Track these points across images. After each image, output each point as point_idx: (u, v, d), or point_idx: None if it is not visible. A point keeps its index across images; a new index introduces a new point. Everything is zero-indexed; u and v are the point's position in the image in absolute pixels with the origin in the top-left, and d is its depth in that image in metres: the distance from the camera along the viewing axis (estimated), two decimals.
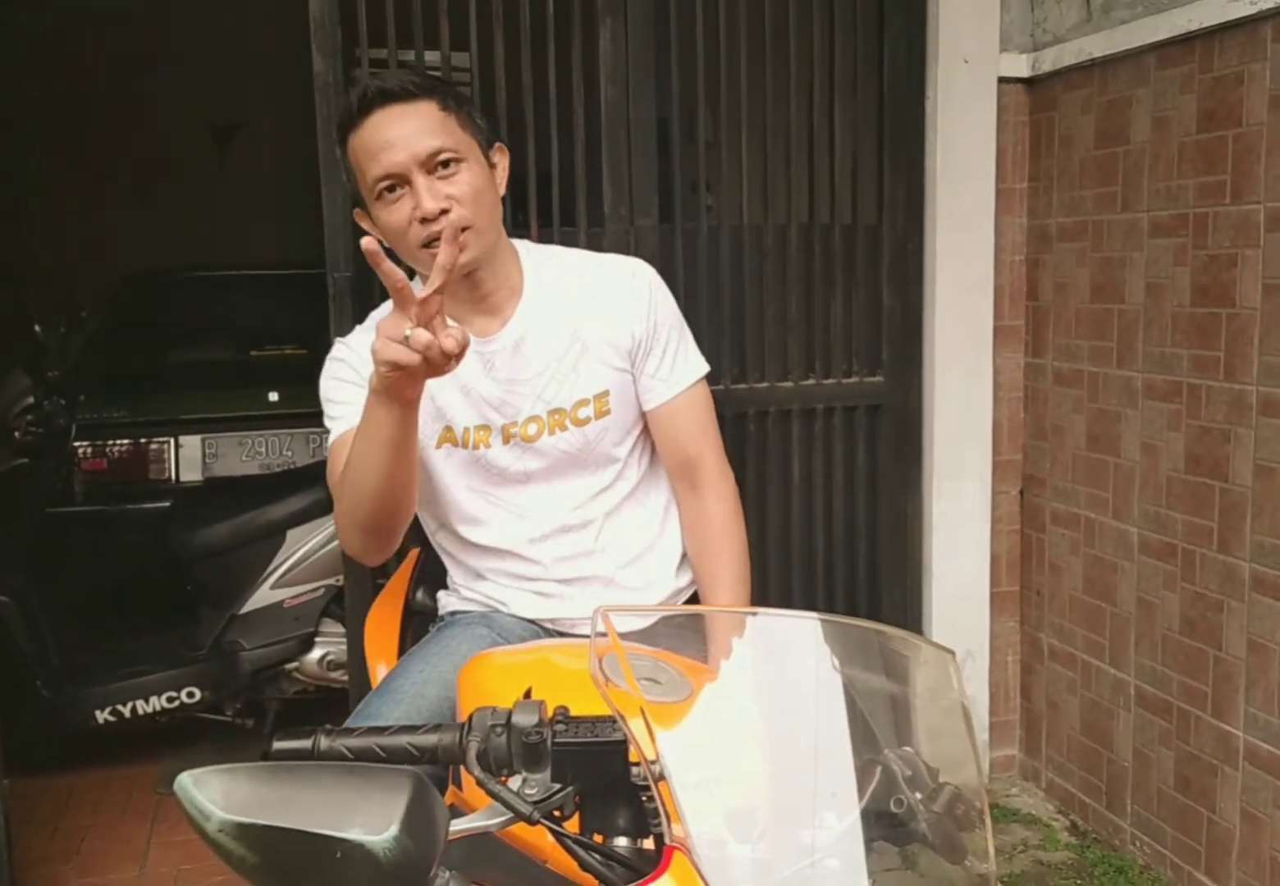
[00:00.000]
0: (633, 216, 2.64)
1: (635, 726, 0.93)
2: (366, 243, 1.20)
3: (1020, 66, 2.80)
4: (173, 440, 3.95)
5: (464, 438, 1.61)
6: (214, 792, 0.65)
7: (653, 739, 0.84)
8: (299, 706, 3.32)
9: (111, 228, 6.21)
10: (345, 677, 2.99)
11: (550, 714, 0.97)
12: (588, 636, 0.93)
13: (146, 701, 3.16)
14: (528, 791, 0.90)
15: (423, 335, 1.21)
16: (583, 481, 1.65)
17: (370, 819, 0.65)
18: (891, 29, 2.77)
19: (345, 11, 2.45)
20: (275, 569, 3.21)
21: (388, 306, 1.55)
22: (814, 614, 0.98)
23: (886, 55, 2.78)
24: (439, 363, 1.22)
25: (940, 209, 2.82)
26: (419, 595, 1.82)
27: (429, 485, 1.64)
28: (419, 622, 1.78)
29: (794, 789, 0.91)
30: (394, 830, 0.66)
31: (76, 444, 3.79)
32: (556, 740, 0.91)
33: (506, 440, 1.61)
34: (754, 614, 1.06)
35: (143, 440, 3.94)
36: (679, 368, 1.68)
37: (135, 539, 3.52)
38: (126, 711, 3.15)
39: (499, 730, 0.94)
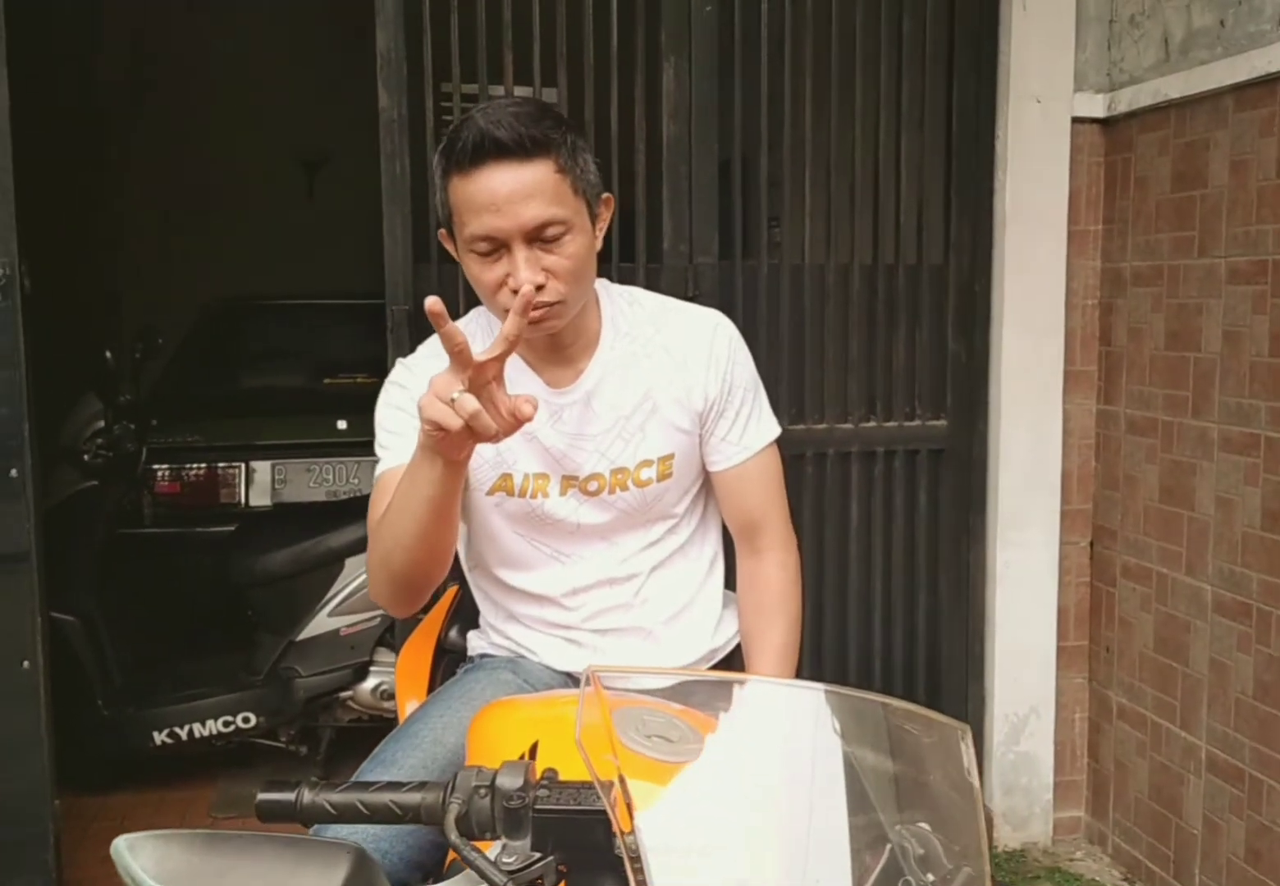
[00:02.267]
0: (692, 254, 2.62)
1: (625, 791, 0.89)
2: (431, 304, 1.13)
3: (1095, 106, 2.73)
4: (244, 465, 4.00)
5: (522, 486, 1.55)
6: (147, 860, 0.63)
7: (630, 811, 0.80)
8: (352, 735, 3.32)
9: (193, 257, 6.36)
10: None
11: (539, 775, 0.94)
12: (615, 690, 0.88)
13: (203, 724, 3.19)
14: (505, 859, 0.86)
15: (469, 403, 1.13)
16: (634, 535, 1.59)
17: None
18: (961, 66, 2.73)
19: (412, 47, 2.48)
20: (333, 596, 3.23)
21: (469, 326, 1.57)
22: (819, 685, 0.93)
23: (955, 93, 2.74)
24: (485, 432, 1.15)
25: (1009, 250, 2.75)
26: (452, 634, 1.80)
27: (473, 525, 1.61)
28: (450, 662, 1.76)
29: (783, 867, 0.87)
30: None
31: (155, 467, 3.87)
32: (538, 806, 0.88)
33: (564, 491, 1.55)
34: (746, 681, 1.01)
35: (218, 465, 4.00)
36: (750, 431, 1.60)
37: (199, 562, 3.57)
38: (183, 734, 3.18)
39: (483, 792, 0.90)
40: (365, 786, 0.94)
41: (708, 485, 1.67)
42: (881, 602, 2.83)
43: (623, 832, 0.81)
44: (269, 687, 3.24)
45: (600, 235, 1.49)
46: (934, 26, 2.71)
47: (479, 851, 0.85)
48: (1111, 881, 2.78)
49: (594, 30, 2.52)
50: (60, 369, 3.45)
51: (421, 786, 0.94)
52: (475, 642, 1.72)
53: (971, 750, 0.93)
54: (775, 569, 1.62)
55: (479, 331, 1.56)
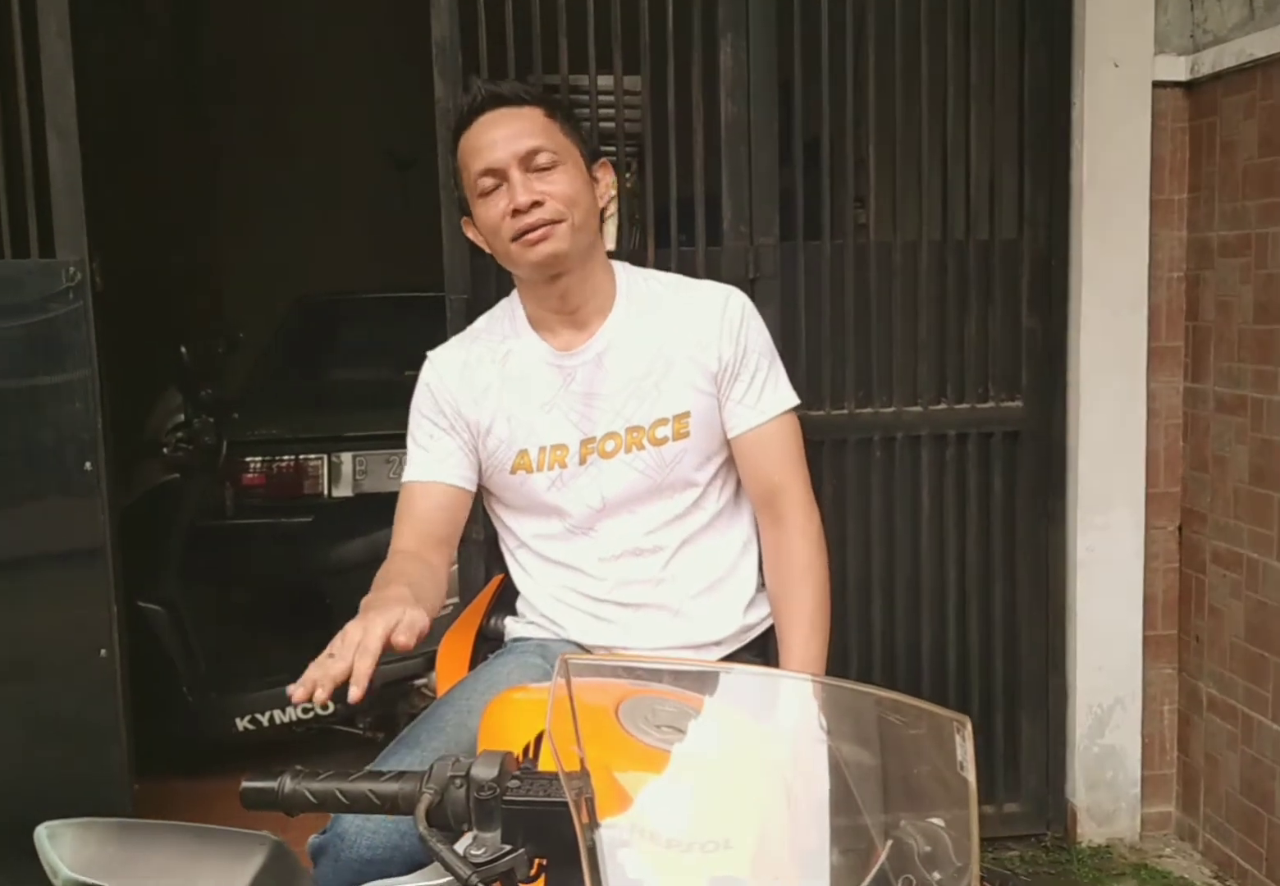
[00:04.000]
0: (752, 234, 2.56)
1: (596, 785, 0.86)
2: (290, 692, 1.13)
3: (1178, 69, 2.60)
4: (327, 457, 4.06)
5: (539, 460, 1.60)
6: (64, 848, 0.62)
7: (586, 807, 0.77)
8: None
9: (290, 254, 6.48)
10: None
11: (519, 765, 0.91)
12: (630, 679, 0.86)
13: (284, 711, 3.25)
14: (474, 852, 0.84)
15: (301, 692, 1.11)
16: (658, 505, 1.62)
17: None
18: (1033, 31, 2.61)
19: (466, 36, 2.47)
20: None
21: (495, 310, 1.71)
22: (808, 676, 0.89)
23: (1028, 59, 2.62)
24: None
25: (1087, 222, 2.64)
26: (493, 622, 1.79)
27: (504, 503, 1.67)
28: (488, 650, 1.75)
29: (760, 860, 0.83)
30: None
31: (243, 459, 3.95)
32: (507, 797, 0.85)
33: (583, 459, 1.59)
34: (728, 671, 0.97)
35: (302, 457, 4.07)
36: (768, 396, 1.64)
37: (280, 552, 3.64)
38: (265, 720, 3.24)
39: (458, 782, 0.88)
40: (345, 775, 0.93)
41: (735, 473, 1.68)
42: (955, 592, 2.74)
43: (582, 826, 0.78)
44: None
45: (602, 198, 1.61)
46: None
47: (445, 843, 0.83)
48: (1202, 880, 2.66)
49: (650, 9, 2.49)
50: (153, 363, 3.55)
51: (399, 776, 0.93)
52: (511, 627, 1.74)
53: (969, 743, 0.88)
54: (798, 537, 1.62)
55: (504, 315, 1.69)
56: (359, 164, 6.83)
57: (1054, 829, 2.84)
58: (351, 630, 1.16)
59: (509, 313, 1.68)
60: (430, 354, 1.69)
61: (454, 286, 2.54)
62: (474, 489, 1.63)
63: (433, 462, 1.60)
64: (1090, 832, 2.80)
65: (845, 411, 2.63)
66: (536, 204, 1.51)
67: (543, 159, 1.52)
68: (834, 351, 2.62)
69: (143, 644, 3.08)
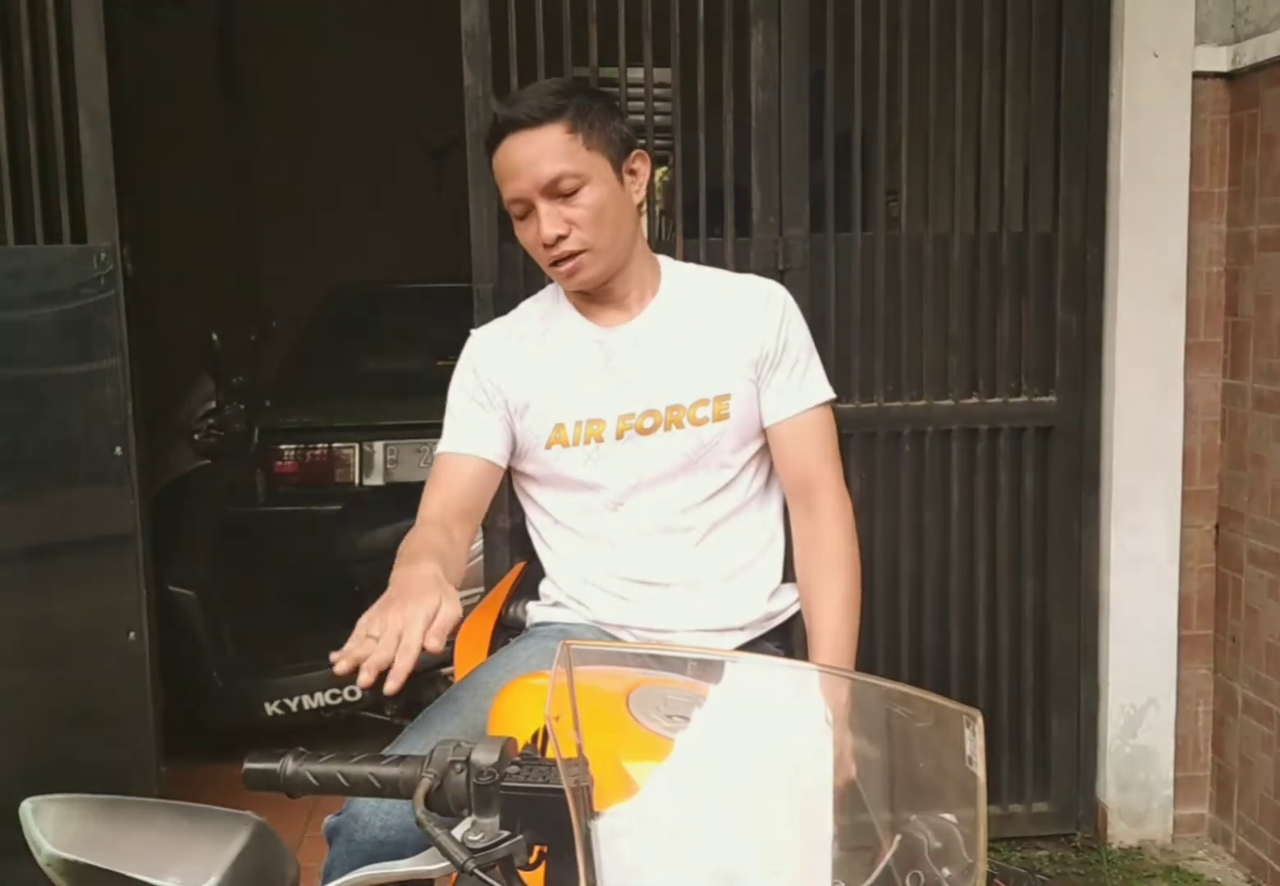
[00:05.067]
0: (782, 226, 2.54)
1: (602, 773, 0.85)
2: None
3: (1219, 60, 2.55)
4: (359, 446, 4.08)
5: (575, 434, 1.61)
6: (47, 824, 0.62)
7: (584, 794, 0.76)
8: None
9: (328, 243, 6.51)
10: None
11: (520, 750, 0.90)
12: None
13: (312, 696, 3.27)
14: (472, 837, 0.83)
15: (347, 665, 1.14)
16: (692, 484, 1.62)
17: (192, 866, 0.61)
18: (1070, 20, 2.57)
19: (496, 25, 2.46)
20: None
21: (540, 293, 1.74)
22: (813, 665, 0.88)
23: (1065, 49, 2.59)
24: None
25: (1124, 215, 2.60)
26: (511, 609, 1.79)
27: (539, 482, 1.67)
28: (507, 636, 1.75)
29: (758, 854, 0.81)
30: (214, 880, 0.61)
31: (277, 446, 3.98)
32: (505, 783, 0.85)
33: (620, 434, 1.60)
34: (738, 660, 0.96)
35: (335, 445, 4.09)
36: (806, 386, 1.65)
37: (311, 539, 3.65)
38: (294, 705, 3.26)
39: (459, 767, 0.88)
40: (346, 758, 0.93)
41: (769, 463, 1.68)
42: (986, 589, 2.71)
43: (577, 813, 0.77)
44: None
45: (640, 191, 1.61)
46: None
47: (442, 828, 0.83)
48: (1234, 883, 2.61)
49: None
50: (186, 350, 3.58)
51: (401, 760, 0.92)
52: (534, 611, 1.73)
53: (979, 738, 0.86)
54: (831, 526, 1.62)
55: (547, 296, 1.73)
56: (393, 152, 6.85)
57: (1084, 829, 2.80)
58: (393, 619, 1.15)
59: (553, 293, 1.71)
60: (474, 331, 1.72)
61: (481, 276, 2.54)
62: (504, 466, 1.64)
63: (468, 436, 1.61)
64: (1121, 834, 2.76)
65: (874, 404, 2.60)
66: (562, 236, 1.53)
67: (566, 185, 1.52)
68: (863, 344, 2.59)
69: (173, 629, 3.11)
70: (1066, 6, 2.57)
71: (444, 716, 1.44)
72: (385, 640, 1.12)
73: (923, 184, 2.62)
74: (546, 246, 1.54)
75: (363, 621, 1.17)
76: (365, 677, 1.10)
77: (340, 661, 1.12)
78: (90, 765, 2.45)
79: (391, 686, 1.10)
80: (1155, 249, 2.61)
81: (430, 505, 1.57)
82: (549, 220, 1.52)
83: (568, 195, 1.52)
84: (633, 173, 1.60)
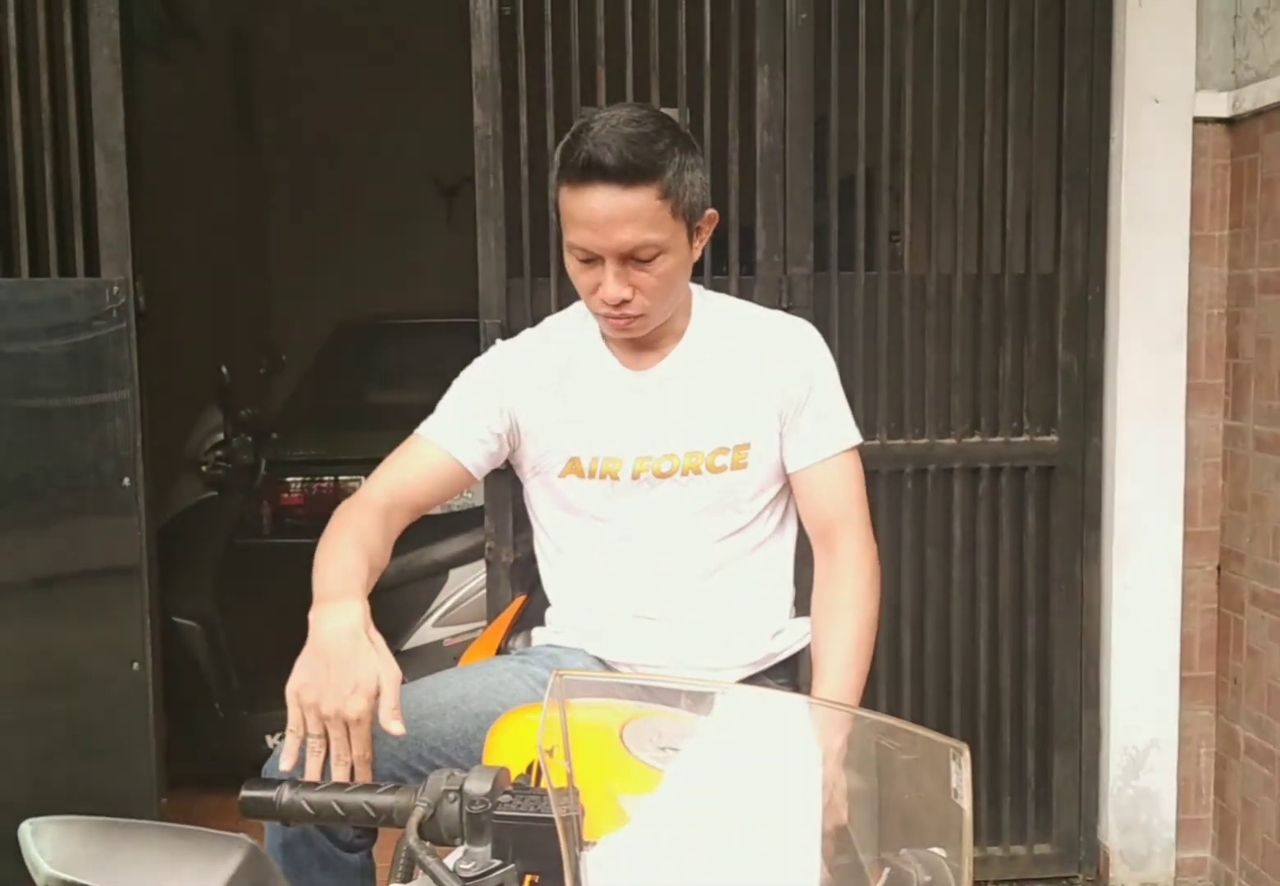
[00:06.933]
0: (786, 264, 2.57)
1: (594, 804, 0.86)
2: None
3: (1219, 106, 2.58)
4: (364, 479, 4.09)
5: (590, 468, 1.58)
6: (45, 844, 0.63)
7: (574, 825, 0.77)
8: None
9: (335, 278, 6.56)
10: None
11: (513, 780, 0.91)
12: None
13: None
14: (464, 866, 0.84)
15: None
16: (705, 525, 1.61)
17: None
18: (1072, 65, 2.61)
19: (506, 65, 2.51)
20: (438, 608, 3.27)
21: (569, 312, 1.67)
22: (804, 697, 0.89)
23: (1067, 93, 2.62)
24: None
25: (1125, 257, 2.62)
26: (511, 642, 1.80)
27: (550, 507, 1.65)
28: None
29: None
30: None
31: (283, 479, 4.00)
32: (497, 812, 0.86)
33: (636, 475, 1.57)
34: (725, 692, 0.97)
35: (341, 478, 4.11)
36: (833, 431, 1.61)
37: None
38: None
39: (451, 796, 0.89)
40: (341, 787, 0.94)
41: (785, 503, 1.67)
42: (987, 627, 2.71)
43: (567, 843, 0.78)
44: None
45: (699, 248, 1.54)
46: (1043, 24, 2.61)
47: (434, 856, 0.84)
48: None
49: (687, 40, 2.51)
50: (195, 381, 3.60)
51: (395, 789, 0.93)
52: (538, 636, 1.73)
53: (966, 771, 0.86)
54: (852, 568, 1.59)
55: (577, 321, 1.65)
56: (404, 190, 6.92)
57: (1086, 871, 2.78)
58: (331, 712, 1.18)
59: (581, 322, 1.64)
60: (500, 342, 1.68)
61: (488, 311, 2.57)
62: (477, 479, 1.60)
63: (458, 435, 1.55)
64: (1123, 876, 2.74)
65: (877, 442, 2.62)
66: (626, 300, 1.46)
67: (644, 254, 1.43)
68: (866, 382, 2.61)
69: (177, 660, 3.11)
70: (1069, 51, 2.61)
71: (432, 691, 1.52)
72: (336, 745, 1.17)
73: (926, 225, 2.64)
74: (604, 301, 1.47)
75: (295, 709, 1.21)
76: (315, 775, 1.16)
77: (284, 761, 1.18)
78: (91, 794, 2.45)
79: (367, 777, 1.16)
80: (1157, 291, 2.64)
81: (382, 483, 1.53)
82: (616, 282, 1.44)
83: (641, 262, 1.44)
84: (699, 230, 1.52)
